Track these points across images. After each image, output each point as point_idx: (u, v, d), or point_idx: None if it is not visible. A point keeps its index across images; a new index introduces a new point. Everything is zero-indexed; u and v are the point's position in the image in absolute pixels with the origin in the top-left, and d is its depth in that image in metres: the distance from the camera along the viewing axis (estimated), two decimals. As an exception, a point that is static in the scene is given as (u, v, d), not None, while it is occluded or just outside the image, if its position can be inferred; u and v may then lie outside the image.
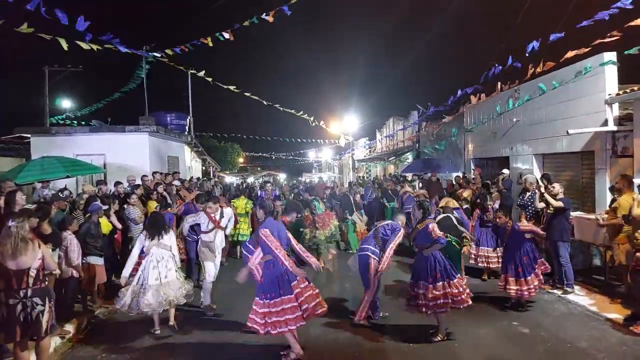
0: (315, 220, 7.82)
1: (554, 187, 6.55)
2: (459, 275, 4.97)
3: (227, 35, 7.52)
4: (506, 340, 4.89)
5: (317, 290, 4.50)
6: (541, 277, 5.85)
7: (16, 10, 5.33)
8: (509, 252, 5.89)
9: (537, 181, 7.55)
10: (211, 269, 5.97)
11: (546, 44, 7.03)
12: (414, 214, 5.24)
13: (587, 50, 7.06)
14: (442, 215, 6.37)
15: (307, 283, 4.47)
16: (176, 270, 5.33)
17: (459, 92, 10.08)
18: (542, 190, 6.69)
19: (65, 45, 5.97)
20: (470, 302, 4.87)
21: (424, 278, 4.85)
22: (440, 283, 4.80)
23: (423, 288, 4.83)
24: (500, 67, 8.09)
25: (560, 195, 6.48)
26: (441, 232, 4.92)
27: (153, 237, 5.22)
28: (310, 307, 4.36)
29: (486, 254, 7.20)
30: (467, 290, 4.93)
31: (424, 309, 4.79)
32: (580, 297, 6.19)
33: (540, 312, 5.71)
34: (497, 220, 5.99)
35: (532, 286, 5.66)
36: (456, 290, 4.79)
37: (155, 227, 5.27)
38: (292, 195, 16.12)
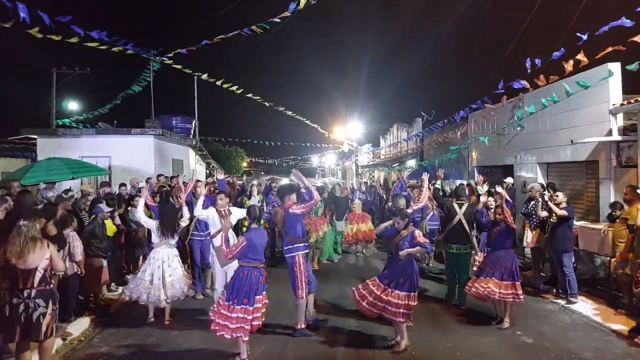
0: (309, 223, 8.14)
1: (557, 196, 6.54)
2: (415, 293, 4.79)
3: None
4: (509, 349, 4.86)
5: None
6: (517, 291, 5.37)
7: (27, 12, 5.41)
8: (492, 254, 5.65)
9: (543, 189, 7.53)
10: (221, 278, 5.82)
11: (549, 61, 7.06)
12: (396, 223, 4.95)
13: (594, 58, 7.06)
14: (466, 205, 6.35)
15: (266, 301, 4.66)
16: (182, 268, 5.66)
17: (462, 112, 10.28)
18: (546, 198, 6.66)
19: (75, 39, 6.10)
20: (401, 320, 4.67)
21: (390, 283, 4.77)
22: (399, 292, 4.67)
23: (384, 293, 4.73)
24: (502, 84, 8.14)
25: (564, 204, 6.47)
26: (424, 239, 4.76)
27: (165, 235, 5.53)
28: (256, 323, 4.46)
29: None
30: (407, 310, 4.70)
31: (370, 311, 4.79)
32: (584, 307, 6.14)
33: (544, 322, 5.68)
34: (497, 215, 5.74)
35: (508, 291, 5.35)
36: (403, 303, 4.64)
37: (169, 224, 5.56)
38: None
